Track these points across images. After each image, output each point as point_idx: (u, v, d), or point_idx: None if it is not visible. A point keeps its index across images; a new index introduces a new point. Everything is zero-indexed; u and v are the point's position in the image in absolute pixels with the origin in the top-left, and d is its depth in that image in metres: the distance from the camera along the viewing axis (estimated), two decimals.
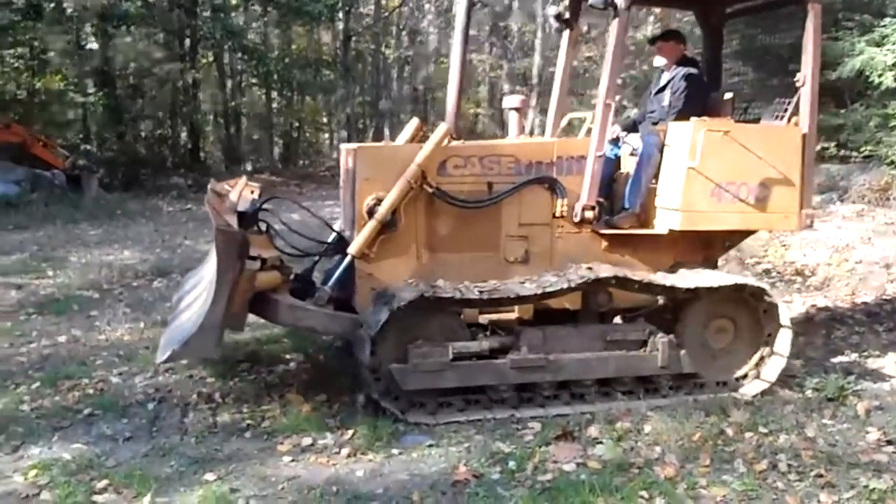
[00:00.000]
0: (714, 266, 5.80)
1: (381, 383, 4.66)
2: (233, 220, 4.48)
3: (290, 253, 5.31)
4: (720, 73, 6.46)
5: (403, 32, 28.82)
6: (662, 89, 5.84)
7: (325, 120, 27.96)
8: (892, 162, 11.06)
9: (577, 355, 4.98)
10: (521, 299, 4.92)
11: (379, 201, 4.95)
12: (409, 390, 4.70)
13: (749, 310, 5.34)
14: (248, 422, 4.71)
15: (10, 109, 20.25)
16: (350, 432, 4.47)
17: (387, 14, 27.75)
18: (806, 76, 5.48)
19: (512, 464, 4.14)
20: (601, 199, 5.51)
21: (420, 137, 5.70)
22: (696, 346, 5.25)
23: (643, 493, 3.83)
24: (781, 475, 4.06)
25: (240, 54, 22.15)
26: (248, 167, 23.59)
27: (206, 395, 5.13)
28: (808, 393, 5.24)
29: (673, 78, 5.74)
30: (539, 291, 4.83)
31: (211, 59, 22.58)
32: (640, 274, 5.10)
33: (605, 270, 5.00)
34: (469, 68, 31.81)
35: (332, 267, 5.35)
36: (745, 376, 5.37)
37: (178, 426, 4.69)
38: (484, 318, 5.17)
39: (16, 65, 20.87)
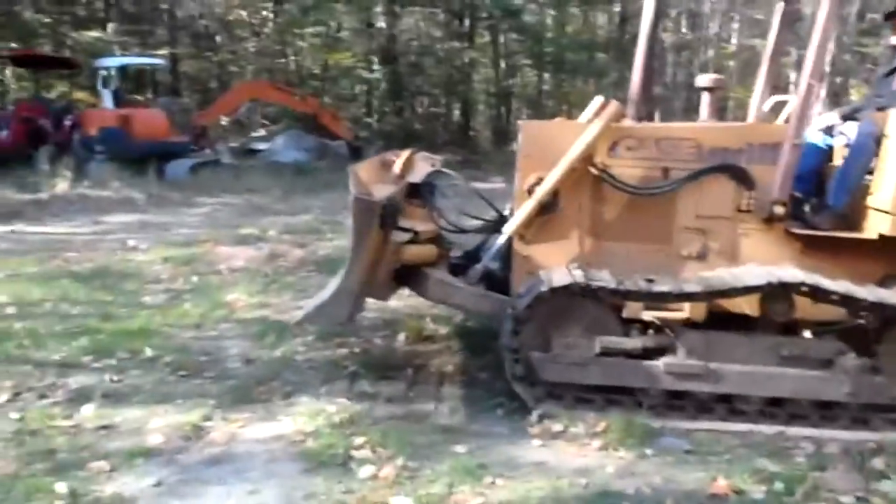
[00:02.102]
0: None
1: (519, 367, 4.49)
2: (384, 189, 4.53)
3: (448, 228, 5.27)
4: None
5: (682, 16, 27.51)
6: (891, 72, 4.99)
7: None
8: None
9: (744, 367, 4.45)
10: (684, 296, 4.48)
11: (540, 180, 4.75)
12: (547, 381, 4.49)
13: None
14: (501, 399, 4.70)
15: (306, 83, 22.33)
16: (603, 424, 4.28)
17: None
18: None
19: (779, 485, 3.73)
20: (801, 195, 4.86)
21: None
22: None
23: None
24: None
25: (515, 35, 22.46)
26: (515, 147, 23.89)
27: (461, 368, 5.26)
28: None
29: None
30: (702, 290, 4.38)
31: (487, 38, 23.12)
32: (839, 284, 4.43)
33: (791, 274, 4.41)
34: (750, 53, 29.84)
35: (493, 246, 5.24)
36: None
37: (433, 394, 4.82)
38: (650, 316, 4.82)
39: (314, 42, 22.89)
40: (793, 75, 23.42)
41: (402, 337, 5.79)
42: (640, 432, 4.20)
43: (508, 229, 4.81)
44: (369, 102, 23.29)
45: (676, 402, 4.53)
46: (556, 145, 4.76)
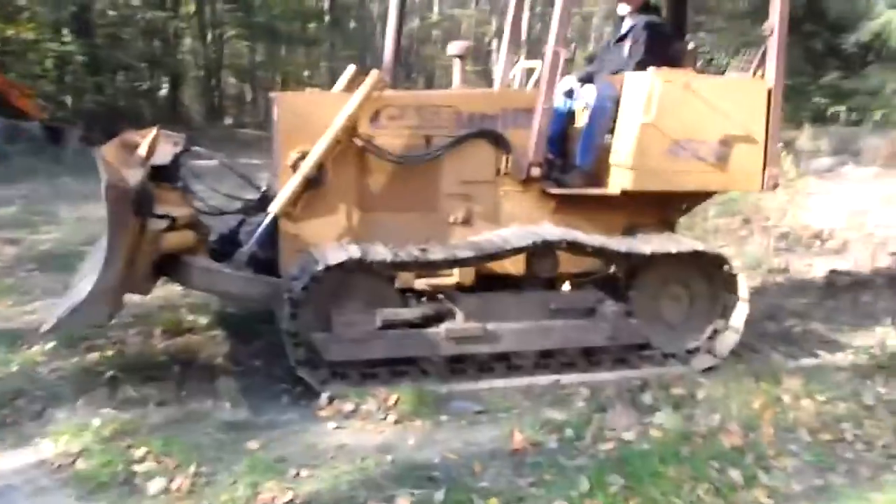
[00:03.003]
0: (672, 229, 5.42)
1: (301, 351, 4.30)
2: (135, 174, 4.08)
3: (207, 211, 4.92)
4: (684, 22, 5.99)
5: None
6: (622, 38, 5.39)
7: (305, 74, 27.33)
8: None
9: (518, 325, 4.63)
10: (457, 262, 4.55)
11: (304, 155, 4.55)
12: (332, 361, 4.36)
13: (707, 279, 5.01)
14: (283, 385, 4.45)
15: None
16: (394, 398, 4.17)
17: None
18: (773, 25, 5.04)
19: (569, 432, 3.91)
20: (551, 156, 5.12)
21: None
22: (649, 316, 4.93)
23: (713, 462, 3.61)
24: (849, 445, 3.94)
25: (224, 4, 21.43)
26: (229, 121, 23.11)
27: (232, 358, 4.88)
28: (853, 358, 5.14)
29: (634, 26, 5.29)
30: (475, 255, 4.47)
31: (193, 8, 21.87)
32: (594, 238, 4.73)
33: (554, 233, 4.63)
34: (453, 23, 31.32)
35: (254, 227, 4.96)
36: (696, 349, 5.05)
37: (209, 391, 4.39)
38: (420, 284, 4.84)
39: None
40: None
41: (158, 332, 5.30)
42: (430, 400, 4.23)
43: (274, 207, 4.56)
44: (61, 78, 21.06)
45: (458, 365, 4.61)
46: (317, 117, 4.58)
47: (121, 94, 21.39)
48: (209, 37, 22.98)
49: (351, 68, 5.43)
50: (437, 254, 4.43)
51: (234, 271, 4.53)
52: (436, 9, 31.60)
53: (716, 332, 5.03)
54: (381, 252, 4.32)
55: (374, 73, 4.62)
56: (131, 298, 5.39)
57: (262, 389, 4.47)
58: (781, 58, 5.04)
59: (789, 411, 4.20)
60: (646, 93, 4.74)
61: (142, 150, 4.52)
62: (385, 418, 4.08)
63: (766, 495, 3.42)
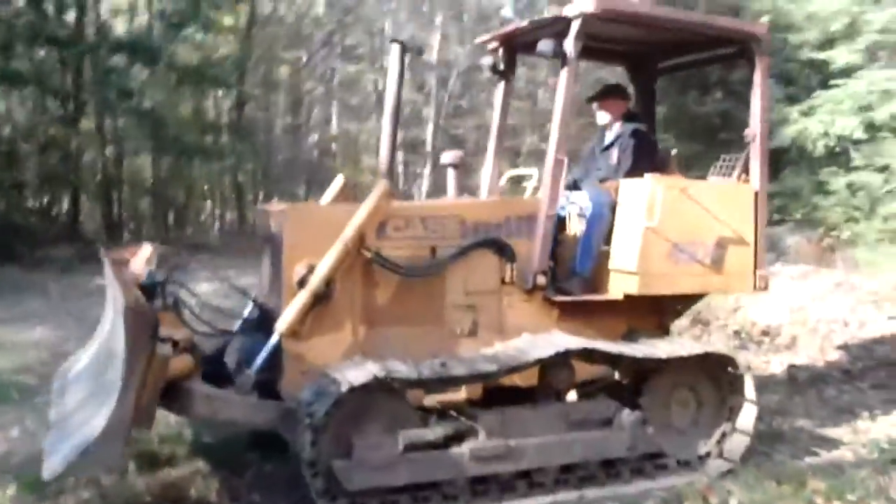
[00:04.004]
0: (667, 332, 5.42)
1: (320, 481, 3.96)
2: (140, 297, 3.75)
3: (206, 332, 4.58)
4: (653, 130, 6.19)
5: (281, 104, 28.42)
6: (608, 147, 5.49)
7: (205, 188, 26.89)
8: (829, 226, 11.43)
9: (540, 440, 4.43)
10: (480, 377, 4.35)
11: (311, 269, 4.32)
12: (353, 490, 4.02)
13: (713, 381, 4.99)
14: None
15: None
16: None
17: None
18: (755, 131, 5.26)
19: None
20: (552, 264, 5.07)
21: (346, 197, 5.20)
22: (661, 423, 4.84)
23: None
24: None
25: (128, 118, 20.89)
26: (128, 237, 22.22)
27: (228, 491, 4.50)
28: (857, 453, 5.19)
29: (621, 135, 5.41)
30: (498, 368, 4.29)
31: (94, 123, 21.25)
32: (613, 345, 4.67)
33: (572, 342, 4.52)
34: (350, 137, 31.79)
35: (250, 346, 4.63)
36: (708, 455, 4.98)
37: None
38: (430, 402, 4.60)
39: None
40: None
41: (131, 467, 4.81)
42: None
43: (282, 326, 4.27)
44: None
45: (480, 486, 4.35)
46: (324, 230, 4.38)
47: (18, 211, 20.35)
48: (108, 152, 22.29)
49: (339, 179, 5.30)
50: (459, 369, 4.23)
51: (238, 397, 4.18)
52: (334, 124, 31.94)
53: (724, 435, 4.98)
54: (403, 370, 4.09)
55: (382, 184, 4.49)
56: None
57: None
58: (764, 162, 5.23)
59: None
60: (647, 198, 4.79)
61: (136, 267, 4.21)
62: None
63: None
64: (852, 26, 11.89)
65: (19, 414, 5.94)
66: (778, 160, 12.12)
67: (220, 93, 25.09)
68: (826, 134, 11.09)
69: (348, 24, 28.84)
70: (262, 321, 4.66)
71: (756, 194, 5.19)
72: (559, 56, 4.77)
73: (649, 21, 4.98)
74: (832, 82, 11.65)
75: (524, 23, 5.24)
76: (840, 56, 11.66)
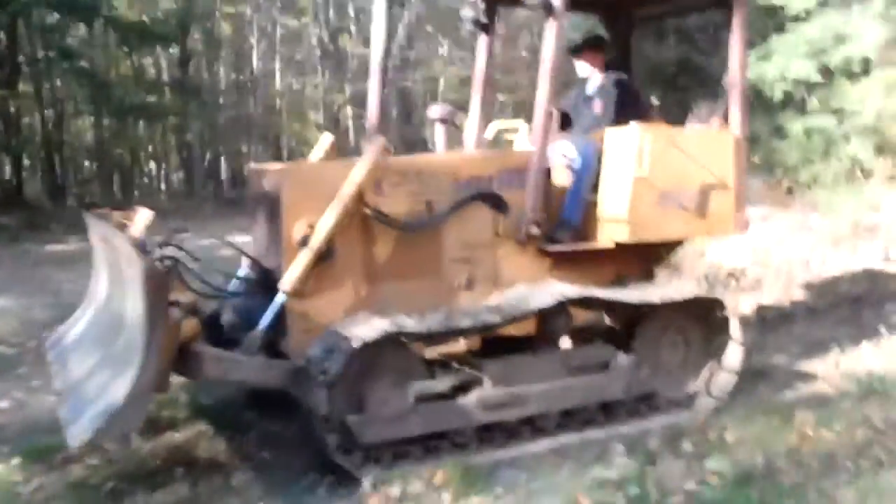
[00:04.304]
0: (652, 277, 5.56)
1: (334, 436, 4.03)
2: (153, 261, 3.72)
3: (210, 294, 4.56)
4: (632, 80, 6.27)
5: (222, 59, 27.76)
6: (591, 97, 5.55)
7: (150, 149, 26.21)
8: (788, 169, 11.69)
9: (542, 386, 4.56)
10: (485, 328, 4.44)
11: (312, 228, 4.32)
12: (367, 443, 4.10)
13: (701, 323, 5.16)
14: (312, 476, 4.16)
15: None
16: (439, 475, 3.96)
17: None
18: (734, 77, 5.38)
19: (633, 489, 3.81)
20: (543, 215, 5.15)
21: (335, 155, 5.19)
22: (653, 365, 5.00)
23: (787, 501, 3.70)
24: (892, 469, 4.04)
25: (68, 79, 20.24)
26: (72, 202, 21.62)
27: (237, 452, 4.57)
28: (836, 385, 5.38)
29: (603, 85, 5.47)
30: (501, 319, 4.38)
31: (33, 86, 20.52)
32: (609, 292, 4.79)
33: (571, 290, 4.62)
34: (295, 93, 31.29)
35: (249, 307, 4.63)
36: (696, 393, 5.17)
37: (232, 490, 4.07)
38: (431, 354, 4.67)
39: None
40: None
41: (133, 434, 4.80)
42: (478, 474, 4.06)
43: (286, 285, 4.27)
44: None
45: (486, 434, 4.47)
46: (322, 189, 4.37)
47: None
48: (48, 113, 21.60)
49: (327, 137, 5.26)
50: (465, 321, 4.31)
51: (247, 357, 4.19)
52: (278, 79, 31.31)
53: (711, 374, 5.17)
54: (411, 324, 4.15)
55: (378, 140, 4.48)
56: None
57: (288, 483, 4.14)
58: (745, 109, 5.36)
59: (818, 443, 4.35)
60: (636, 147, 4.87)
61: (136, 231, 4.17)
62: (440, 499, 3.86)
63: None
64: None
65: (4, 386, 5.87)
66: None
67: (159, 50, 24.42)
68: (783, 78, 11.35)
69: None
70: (260, 281, 4.65)
71: (736, 140, 5.32)
72: (547, 7, 4.78)
73: None
74: (788, 27, 11.89)
75: None
76: (794, 1, 11.88)
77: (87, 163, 25.80)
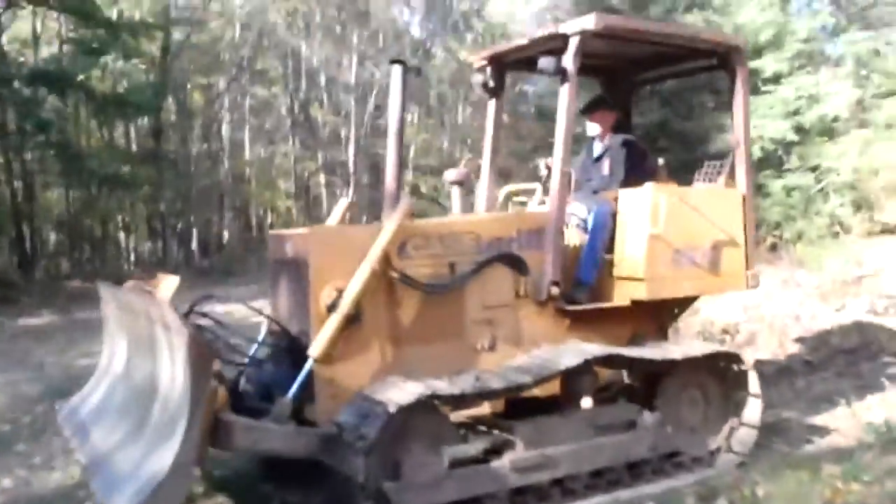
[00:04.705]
0: (666, 335, 5.61)
1: None
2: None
3: (238, 362, 4.49)
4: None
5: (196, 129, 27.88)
6: (599, 158, 5.66)
7: (120, 219, 26.00)
8: (769, 226, 11.93)
9: (572, 447, 4.52)
10: (517, 388, 4.38)
11: (339, 293, 4.29)
12: None
13: (719, 379, 5.19)
14: None
15: None
16: None
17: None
18: (739, 137, 5.53)
19: None
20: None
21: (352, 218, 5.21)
22: (675, 422, 5.00)
23: None
24: None
25: (49, 152, 19.99)
26: (41, 275, 21.26)
27: None
28: (862, 437, 5.39)
29: (611, 146, 5.59)
30: (531, 380, 4.36)
31: (2, 157, 20.29)
32: (632, 350, 4.83)
33: (596, 349, 4.64)
34: (267, 161, 31.39)
35: (274, 374, 4.58)
36: (718, 450, 5.16)
37: None
38: (455, 417, 4.63)
39: None
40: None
41: None
42: None
43: (315, 351, 4.22)
44: None
45: (519, 497, 4.41)
46: (348, 253, 4.37)
47: None
48: (16, 185, 21.32)
49: (344, 201, 5.29)
50: (495, 382, 4.28)
51: (277, 426, 4.11)
52: (247, 148, 31.39)
53: (732, 430, 5.17)
54: (444, 386, 4.12)
55: (405, 202, 4.51)
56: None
57: None
58: (749, 166, 5.50)
59: (850, 495, 4.35)
60: (650, 206, 4.97)
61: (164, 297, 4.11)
62: None
63: None
64: (779, 36, 12.62)
65: (5, 463, 5.66)
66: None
67: (133, 122, 24.37)
68: (761, 137, 11.71)
69: (263, 47, 28.45)
70: (285, 347, 4.59)
71: (744, 197, 5.44)
72: (560, 73, 4.90)
73: (643, 37, 5.17)
74: (763, 89, 12.32)
75: (523, 40, 5.35)
76: (769, 65, 12.33)
77: (54, 235, 25.46)
